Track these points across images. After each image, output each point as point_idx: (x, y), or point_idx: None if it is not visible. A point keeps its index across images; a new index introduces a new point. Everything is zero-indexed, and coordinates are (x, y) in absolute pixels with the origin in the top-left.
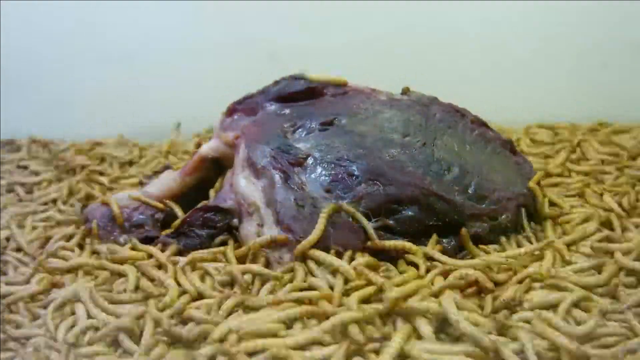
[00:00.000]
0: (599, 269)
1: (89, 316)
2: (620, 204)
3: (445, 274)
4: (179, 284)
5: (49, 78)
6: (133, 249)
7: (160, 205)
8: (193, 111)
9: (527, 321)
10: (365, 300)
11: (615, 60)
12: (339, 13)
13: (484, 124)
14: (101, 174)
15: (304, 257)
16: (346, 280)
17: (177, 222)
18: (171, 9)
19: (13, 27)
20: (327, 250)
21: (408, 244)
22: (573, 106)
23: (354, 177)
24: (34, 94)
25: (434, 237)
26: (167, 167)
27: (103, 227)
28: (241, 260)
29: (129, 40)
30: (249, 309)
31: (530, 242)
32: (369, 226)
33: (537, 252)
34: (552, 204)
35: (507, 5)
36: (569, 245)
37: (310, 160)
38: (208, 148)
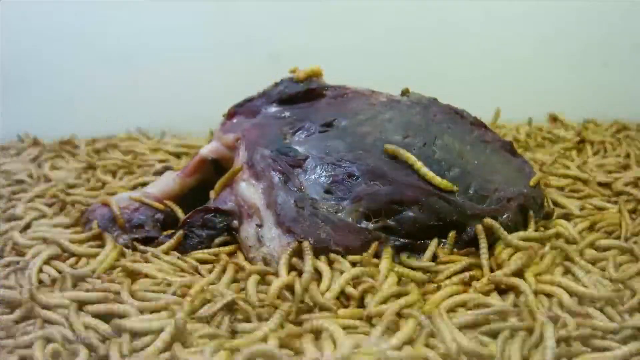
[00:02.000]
0: None
1: None
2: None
3: None
4: None
5: (49, 78)
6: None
7: (161, 206)
8: (193, 111)
9: None
10: None
11: (616, 59)
12: (339, 13)
13: (483, 126)
14: None
15: None
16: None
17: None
18: (171, 9)
19: (13, 27)
20: (327, 251)
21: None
22: (574, 105)
23: (354, 178)
24: (34, 93)
25: (435, 238)
26: (167, 168)
27: (104, 228)
28: None
29: (128, 40)
30: None
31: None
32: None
33: None
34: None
35: (507, 5)
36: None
37: (310, 162)
38: (208, 150)
